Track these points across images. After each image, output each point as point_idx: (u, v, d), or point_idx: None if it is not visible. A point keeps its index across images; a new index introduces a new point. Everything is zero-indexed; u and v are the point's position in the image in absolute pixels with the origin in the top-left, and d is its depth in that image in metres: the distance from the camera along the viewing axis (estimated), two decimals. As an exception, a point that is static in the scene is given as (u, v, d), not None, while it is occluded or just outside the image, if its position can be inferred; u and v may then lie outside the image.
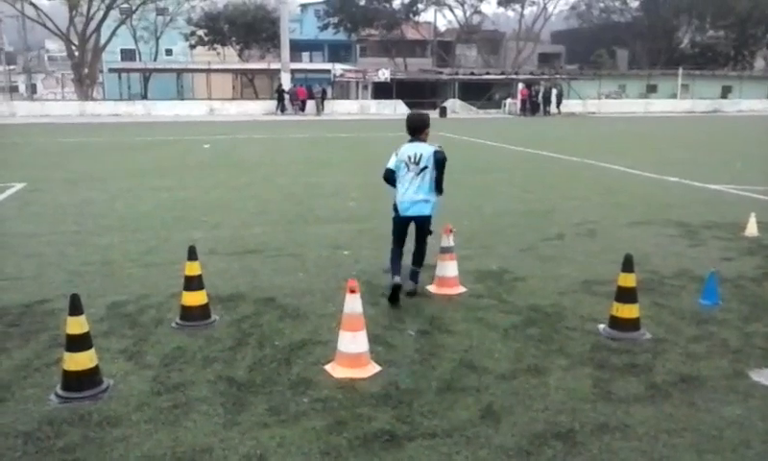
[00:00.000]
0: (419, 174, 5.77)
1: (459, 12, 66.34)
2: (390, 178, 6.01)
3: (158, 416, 3.84)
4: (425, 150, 5.79)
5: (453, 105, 49.45)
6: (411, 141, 5.91)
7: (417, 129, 5.93)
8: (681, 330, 5.20)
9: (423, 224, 5.97)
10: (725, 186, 12.64)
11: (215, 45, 61.27)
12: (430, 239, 6.09)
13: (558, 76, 57.12)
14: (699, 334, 5.12)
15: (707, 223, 9.23)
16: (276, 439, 3.60)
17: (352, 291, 4.42)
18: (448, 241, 6.19)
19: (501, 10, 69.58)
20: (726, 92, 60.82)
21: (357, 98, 52.38)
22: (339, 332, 4.49)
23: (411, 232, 6.09)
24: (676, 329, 5.21)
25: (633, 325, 5.04)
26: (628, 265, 4.99)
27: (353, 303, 4.43)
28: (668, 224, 9.24)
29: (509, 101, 50.79)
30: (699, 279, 6.35)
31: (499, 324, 5.34)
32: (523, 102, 47.44)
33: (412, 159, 5.78)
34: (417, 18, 65.34)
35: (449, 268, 6.19)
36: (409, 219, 5.94)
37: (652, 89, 59.56)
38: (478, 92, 53.62)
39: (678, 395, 4.11)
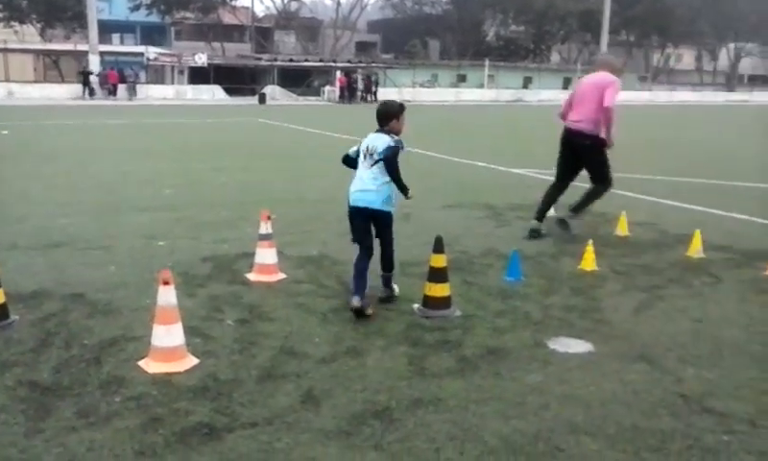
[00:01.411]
0: (371, 166, 5.39)
1: (277, -2, 65.89)
2: (345, 162, 5.69)
3: (-53, 430, 3.49)
4: (381, 143, 5.38)
5: (273, 91, 49.04)
6: (377, 131, 5.52)
7: (379, 119, 5.57)
8: (488, 306, 5.54)
9: (380, 220, 5.49)
10: (526, 171, 13.63)
11: (12, 22, 56.02)
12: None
13: (374, 64, 58.42)
14: (504, 309, 5.49)
15: (511, 205, 9.91)
16: (86, 443, 3.40)
17: (166, 283, 4.26)
18: (267, 228, 6.16)
19: (319, -3, 70.00)
20: (527, 83, 65.49)
21: (173, 83, 50.50)
22: (153, 326, 4.33)
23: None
24: (483, 305, 5.56)
25: (444, 303, 5.30)
26: (438, 246, 5.25)
27: (167, 296, 4.27)
28: (477, 206, 9.80)
29: (328, 88, 51.31)
30: (504, 257, 6.79)
31: (319, 308, 5.40)
32: (342, 89, 48.11)
33: (368, 150, 5.44)
34: (234, 2, 63.96)
35: (268, 255, 6.17)
36: (357, 210, 5.44)
37: (462, 79, 62.74)
38: (297, 79, 53.62)
39: (485, 367, 4.39)
